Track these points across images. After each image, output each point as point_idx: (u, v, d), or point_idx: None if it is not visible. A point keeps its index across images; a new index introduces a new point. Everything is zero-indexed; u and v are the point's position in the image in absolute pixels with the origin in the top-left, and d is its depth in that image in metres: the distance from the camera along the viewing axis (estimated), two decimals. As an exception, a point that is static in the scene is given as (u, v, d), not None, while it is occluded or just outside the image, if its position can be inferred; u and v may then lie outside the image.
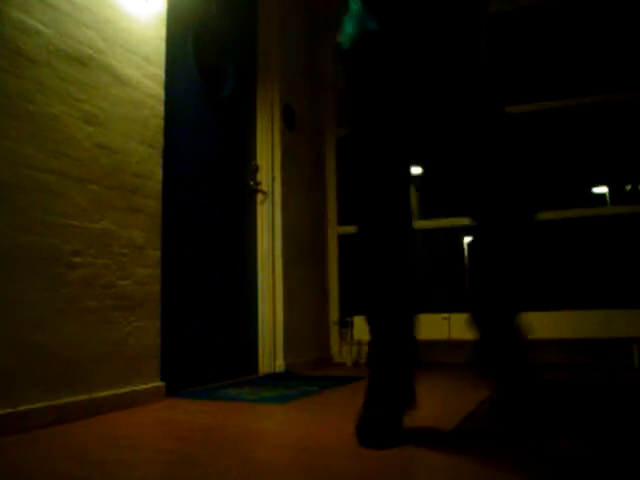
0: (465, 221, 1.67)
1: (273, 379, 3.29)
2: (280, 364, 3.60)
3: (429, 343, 3.96)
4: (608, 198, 4.15)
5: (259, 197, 3.72)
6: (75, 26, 2.26)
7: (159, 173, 2.69)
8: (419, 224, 4.21)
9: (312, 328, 4.14)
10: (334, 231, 4.54)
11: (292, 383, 3.08)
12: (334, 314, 4.43)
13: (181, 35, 3.10)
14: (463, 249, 5.05)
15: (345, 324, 4.25)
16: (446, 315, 3.65)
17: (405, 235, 1.65)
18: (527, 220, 1.53)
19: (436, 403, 2.42)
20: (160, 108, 2.73)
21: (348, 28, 1.65)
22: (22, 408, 1.90)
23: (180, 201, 2.96)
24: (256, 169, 3.71)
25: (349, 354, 4.21)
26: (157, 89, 2.72)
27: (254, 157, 3.74)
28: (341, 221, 4.57)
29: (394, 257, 1.63)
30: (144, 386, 2.48)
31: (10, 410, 1.86)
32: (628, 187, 4.15)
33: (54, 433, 1.89)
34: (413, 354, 1.68)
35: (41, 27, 2.11)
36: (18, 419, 1.88)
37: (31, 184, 2.03)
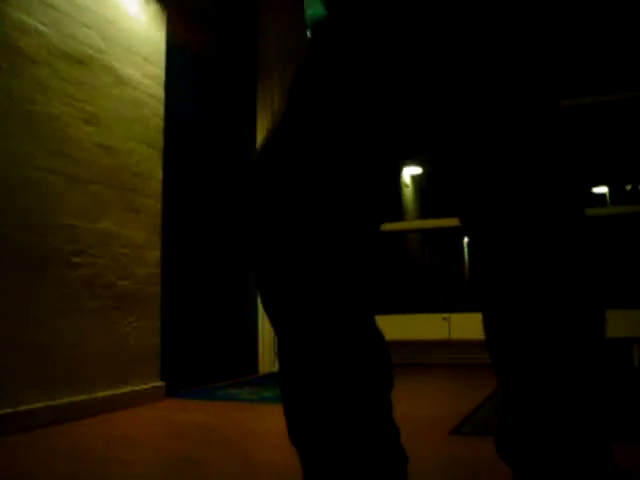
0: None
1: (273, 379, 3.28)
2: (280, 364, 3.60)
3: (429, 343, 3.97)
4: (608, 198, 4.15)
5: (259, 197, 3.71)
6: (75, 26, 2.26)
7: (159, 173, 2.70)
8: (419, 224, 4.21)
9: (312, 328, 4.14)
10: (334, 231, 4.54)
11: (292, 383, 3.08)
12: (334, 314, 4.42)
13: (181, 35, 3.10)
14: (463, 249, 5.04)
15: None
16: (446, 315, 3.65)
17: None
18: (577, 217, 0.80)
19: (436, 403, 2.42)
20: (160, 108, 2.73)
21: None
22: (22, 408, 1.90)
23: (180, 201, 2.96)
24: (256, 169, 3.71)
25: (349, 354, 4.20)
26: (157, 89, 2.72)
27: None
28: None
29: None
30: (144, 386, 2.48)
31: (10, 410, 1.86)
32: (628, 187, 4.16)
33: (54, 433, 1.89)
34: None
35: (41, 27, 2.11)
36: (18, 419, 1.88)
37: (31, 184, 2.03)
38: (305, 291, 0.75)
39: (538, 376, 0.73)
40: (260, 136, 3.80)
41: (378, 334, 0.83)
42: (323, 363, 0.76)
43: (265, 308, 0.79)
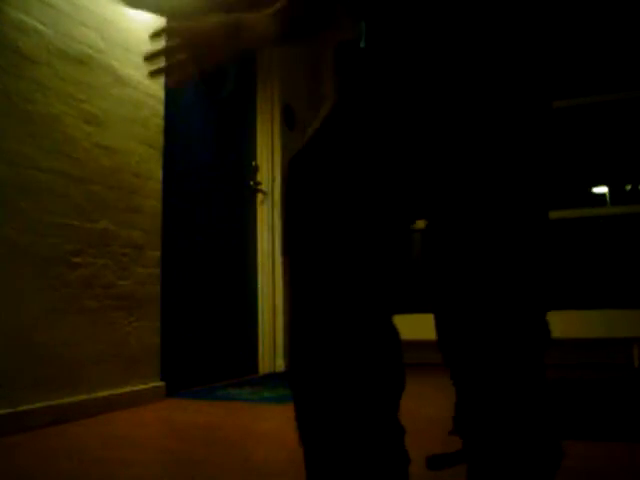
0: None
1: (273, 379, 3.29)
2: (280, 364, 3.59)
3: (429, 343, 3.96)
4: (608, 198, 4.15)
5: (259, 197, 3.71)
6: (75, 26, 2.26)
7: (159, 173, 2.69)
8: (419, 224, 4.20)
9: (312, 328, 4.14)
10: (334, 231, 4.53)
11: (292, 383, 3.08)
12: (334, 314, 4.42)
13: (181, 35, 3.10)
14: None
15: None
16: (446, 315, 3.65)
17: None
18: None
19: (435, 403, 2.42)
20: (160, 108, 2.73)
21: None
22: (22, 408, 1.90)
23: (180, 201, 2.96)
24: (256, 169, 3.71)
25: (349, 354, 4.20)
26: (157, 89, 2.72)
27: (254, 157, 3.74)
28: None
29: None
30: (144, 386, 2.48)
31: (10, 410, 1.86)
32: (628, 187, 4.16)
33: (54, 433, 1.89)
34: None
35: (41, 27, 2.11)
36: (18, 419, 1.87)
37: (31, 184, 2.03)
38: (327, 282, 0.80)
39: (484, 369, 0.83)
40: (260, 135, 3.80)
41: (394, 333, 0.87)
42: (335, 356, 0.79)
43: (294, 299, 0.84)
